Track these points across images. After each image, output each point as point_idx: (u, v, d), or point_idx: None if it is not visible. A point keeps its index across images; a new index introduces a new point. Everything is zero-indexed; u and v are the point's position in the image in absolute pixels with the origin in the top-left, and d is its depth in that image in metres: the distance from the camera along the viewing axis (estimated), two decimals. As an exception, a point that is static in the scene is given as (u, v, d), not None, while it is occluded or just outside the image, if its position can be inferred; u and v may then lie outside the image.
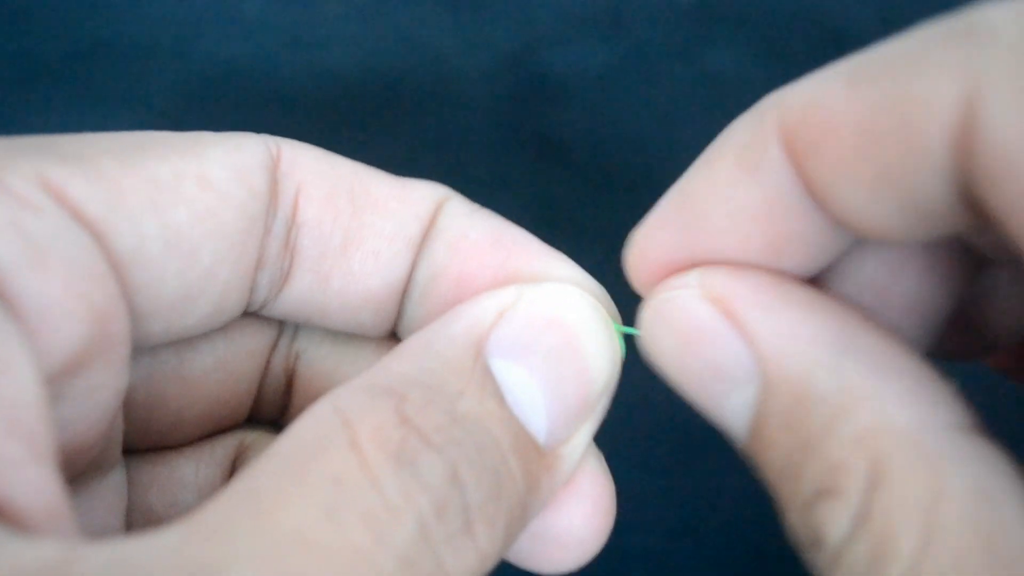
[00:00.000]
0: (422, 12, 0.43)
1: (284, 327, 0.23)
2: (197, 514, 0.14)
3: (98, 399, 0.17)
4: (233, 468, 0.23)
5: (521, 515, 0.17)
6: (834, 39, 0.42)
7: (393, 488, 0.15)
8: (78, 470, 0.18)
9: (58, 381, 0.16)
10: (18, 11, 0.41)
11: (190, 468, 0.22)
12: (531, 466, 0.17)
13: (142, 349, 0.20)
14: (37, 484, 0.14)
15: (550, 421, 0.18)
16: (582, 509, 0.20)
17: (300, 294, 0.21)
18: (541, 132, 0.39)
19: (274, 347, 0.23)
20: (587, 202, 0.37)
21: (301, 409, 0.20)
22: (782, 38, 0.42)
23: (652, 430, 0.33)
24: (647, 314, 0.18)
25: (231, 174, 0.19)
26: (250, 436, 0.23)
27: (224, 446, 0.23)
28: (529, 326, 0.18)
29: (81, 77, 0.39)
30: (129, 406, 0.21)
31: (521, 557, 0.20)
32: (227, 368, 0.22)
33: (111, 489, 0.20)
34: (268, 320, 0.23)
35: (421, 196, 0.21)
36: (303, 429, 0.16)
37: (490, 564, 0.16)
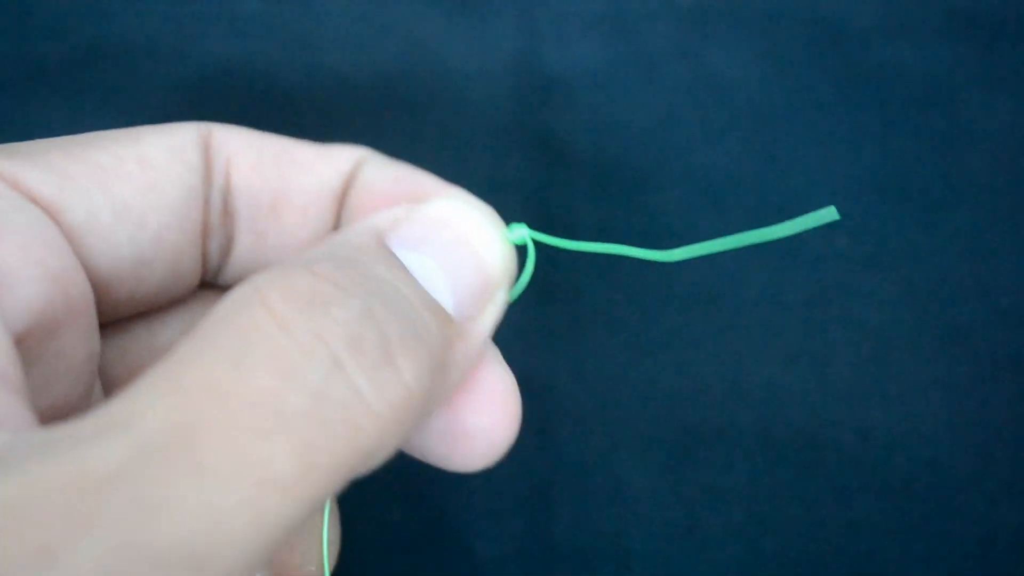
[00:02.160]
0: (422, 12, 0.43)
1: None
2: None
3: (71, 362, 0.19)
4: None
5: (442, 368, 0.18)
6: (834, 40, 0.42)
7: (303, 328, 0.16)
8: None
9: (28, 344, 0.18)
10: (18, 11, 0.41)
11: None
12: (444, 327, 0.19)
13: (115, 321, 0.22)
14: (5, 407, 0.15)
15: (455, 297, 0.19)
16: (486, 400, 0.21)
17: (244, 256, 0.23)
18: (541, 132, 0.39)
19: None
20: (587, 202, 0.37)
21: None
22: (782, 39, 0.42)
23: (652, 430, 0.33)
24: None
25: (167, 153, 0.21)
26: None
27: None
28: (422, 226, 0.20)
29: (81, 77, 0.39)
30: (107, 380, 0.22)
31: (432, 455, 0.22)
32: None
33: None
34: (225, 289, 0.24)
35: (341, 156, 0.23)
36: (219, 306, 0.16)
37: (418, 405, 0.17)
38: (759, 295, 0.35)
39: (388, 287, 0.18)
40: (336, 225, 0.23)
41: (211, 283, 0.24)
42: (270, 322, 0.16)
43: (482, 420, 0.21)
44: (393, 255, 0.19)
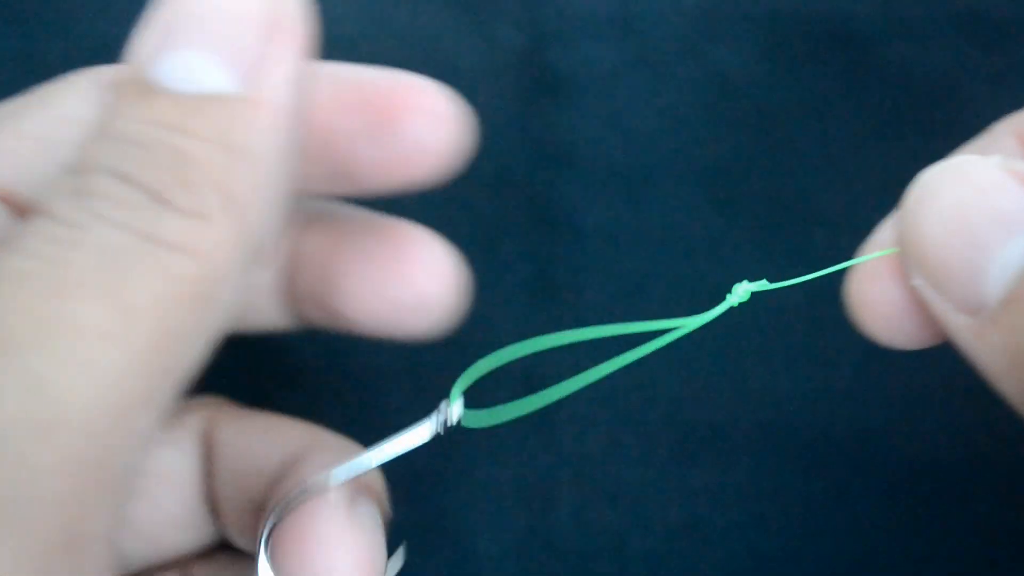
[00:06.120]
0: (425, 11, 0.43)
1: None
2: None
3: None
4: None
5: (244, 153, 0.17)
6: (839, 40, 0.42)
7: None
8: None
9: None
10: (18, 11, 0.41)
11: None
12: (225, 110, 0.18)
13: None
14: None
15: (229, 71, 0.18)
16: (425, 264, 0.22)
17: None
18: (545, 132, 0.39)
19: None
20: (592, 201, 0.37)
21: None
22: (788, 38, 0.42)
23: (653, 429, 0.33)
24: (937, 172, 0.21)
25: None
26: None
27: None
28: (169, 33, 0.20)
29: (83, 76, 0.39)
30: None
31: (381, 326, 0.22)
32: None
33: None
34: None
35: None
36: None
37: (240, 229, 0.17)
38: (759, 295, 0.35)
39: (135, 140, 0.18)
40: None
41: None
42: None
43: (424, 284, 0.22)
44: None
